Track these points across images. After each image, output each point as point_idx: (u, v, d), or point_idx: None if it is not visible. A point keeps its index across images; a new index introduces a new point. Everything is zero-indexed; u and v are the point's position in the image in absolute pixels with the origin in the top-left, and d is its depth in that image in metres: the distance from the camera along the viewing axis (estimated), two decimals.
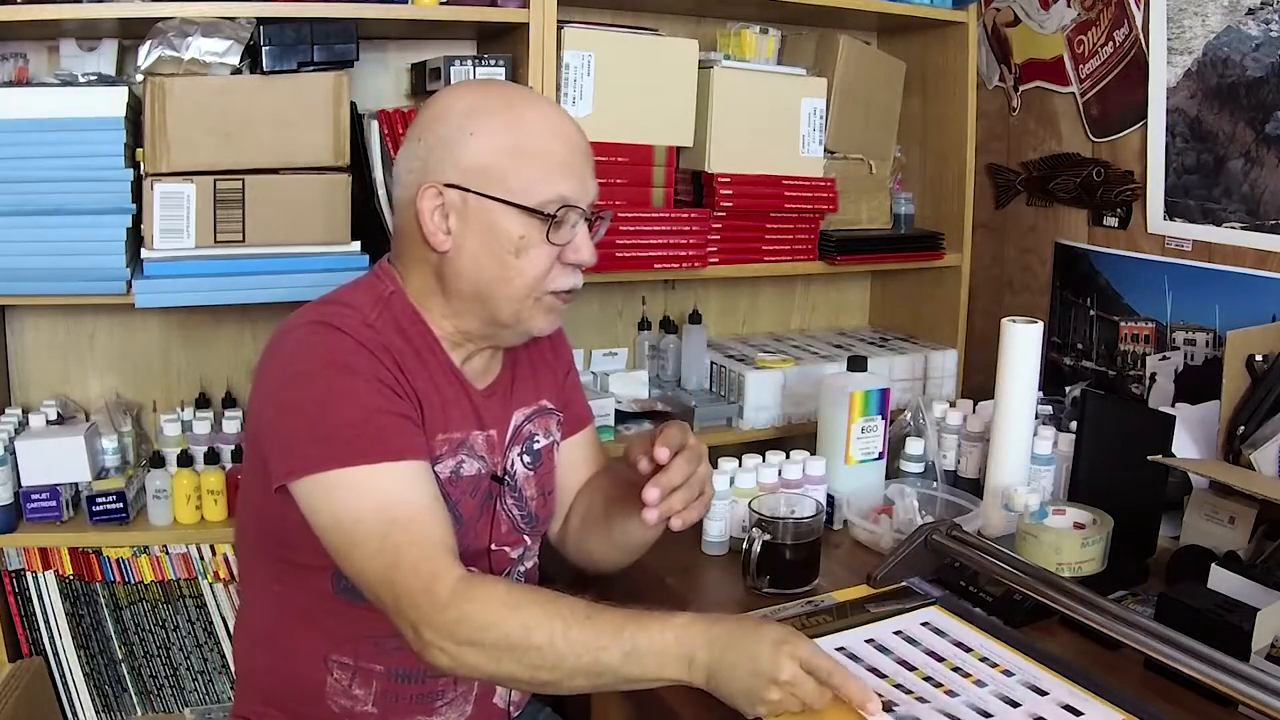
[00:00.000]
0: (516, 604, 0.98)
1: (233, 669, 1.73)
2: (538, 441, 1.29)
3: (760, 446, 1.67)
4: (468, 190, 1.11)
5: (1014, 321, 1.51)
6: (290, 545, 1.11)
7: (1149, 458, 1.40)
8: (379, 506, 1.01)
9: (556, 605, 0.99)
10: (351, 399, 1.04)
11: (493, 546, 1.24)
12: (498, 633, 0.97)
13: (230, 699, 1.74)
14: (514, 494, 1.26)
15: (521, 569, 1.30)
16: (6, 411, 1.71)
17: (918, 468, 1.68)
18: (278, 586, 1.17)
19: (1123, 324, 2.04)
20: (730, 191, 1.87)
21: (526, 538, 1.29)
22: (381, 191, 1.68)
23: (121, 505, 1.63)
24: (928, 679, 1.11)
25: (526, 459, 1.27)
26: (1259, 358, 1.51)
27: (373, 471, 1.02)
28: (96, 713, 1.71)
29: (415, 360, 1.14)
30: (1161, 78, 1.89)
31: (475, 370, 1.22)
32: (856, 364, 1.67)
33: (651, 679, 1.00)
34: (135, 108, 1.56)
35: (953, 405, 1.79)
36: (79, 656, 1.69)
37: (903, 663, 1.15)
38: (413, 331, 1.15)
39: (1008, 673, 1.13)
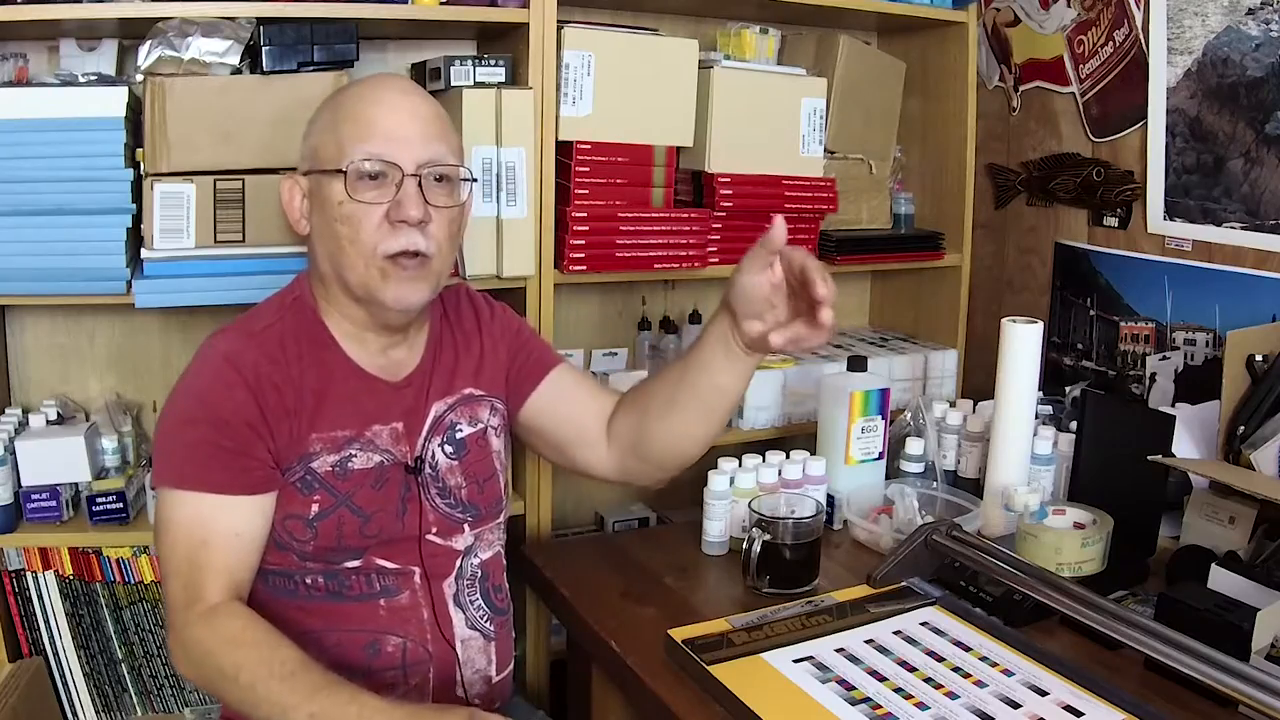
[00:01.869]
0: (239, 643, 1.06)
1: None
2: (460, 430, 1.30)
3: (760, 446, 1.67)
4: (306, 173, 1.21)
5: (1014, 321, 1.51)
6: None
7: (1149, 458, 1.40)
8: (180, 522, 1.12)
9: (273, 654, 1.05)
10: (192, 428, 1.14)
11: (426, 536, 1.26)
12: (213, 664, 1.06)
13: None
14: (436, 484, 1.27)
15: (475, 560, 1.31)
16: (6, 411, 1.71)
17: (918, 468, 1.68)
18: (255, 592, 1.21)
19: (1123, 324, 2.04)
20: (730, 191, 1.87)
21: (466, 527, 1.29)
22: None
23: (121, 505, 1.63)
24: (928, 680, 1.11)
25: (448, 449, 1.29)
26: (1259, 358, 1.52)
27: (186, 495, 1.12)
28: (96, 713, 1.71)
29: (310, 358, 1.20)
30: (1161, 78, 1.89)
31: (390, 363, 1.26)
32: (856, 364, 1.67)
33: None
34: (135, 108, 1.56)
35: (953, 405, 1.79)
36: (79, 656, 1.69)
37: (903, 664, 1.15)
38: (313, 332, 1.22)
39: (1008, 673, 1.13)
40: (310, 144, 1.22)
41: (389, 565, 1.22)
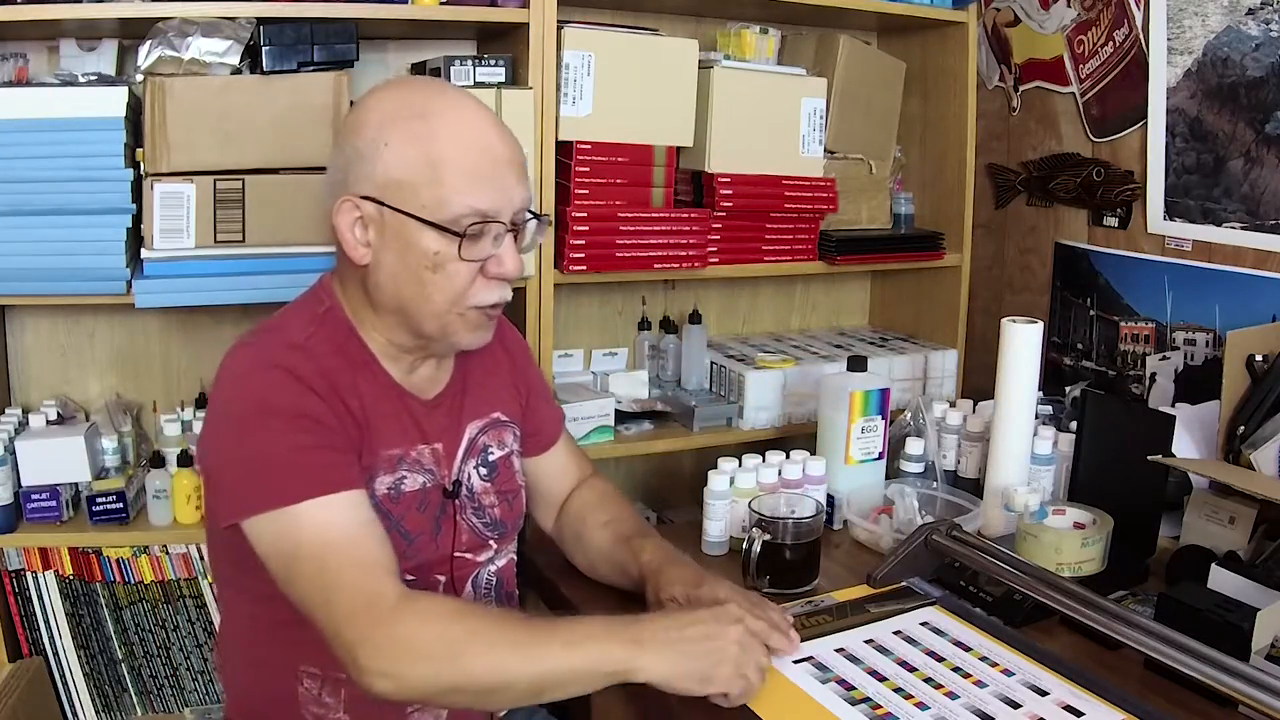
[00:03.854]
0: (458, 613, 1.01)
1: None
2: (493, 453, 1.29)
3: (760, 446, 1.67)
4: (383, 204, 1.09)
5: (1014, 321, 1.51)
6: (251, 571, 1.11)
7: (1149, 458, 1.40)
8: (314, 537, 1.01)
9: (497, 612, 1.04)
10: (275, 441, 1.04)
11: (456, 554, 1.24)
12: (439, 640, 0.97)
13: None
14: (472, 505, 1.25)
15: (492, 569, 1.30)
16: (6, 411, 1.71)
17: (918, 468, 1.68)
18: (248, 604, 1.17)
19: (1123, 324, 2.04)
20: (730, 191, 1.87)
21: (493, 542, 1.29)
22: None
23: (121, 505, 1.63)
24: (928, 680, 1.11)
25: (483, 471, 1.27)
26: (1259, 358, 1.52)
27: (303, 508, 1.02)
28: (96, 713, 1.71)
29: (351, 376, 1.13)
30: (1161, 78, 1.89)
31: (419, 381, 1.21)
32: (856, 364, 1.67)
33: (595, 669, 1.00)
34: (135, 108, 1.56)
35: (953, 405, 1.79)
36: (79, 656, 1.69)
37: (903, 664, 1.15)
38: (349, 347, 1.15)
39: (1008, 673, 1.13)
40: (385, 171, 1.08)
41: (412, 579, 1.17)
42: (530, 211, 1.16)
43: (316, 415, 1.06)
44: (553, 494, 1.41)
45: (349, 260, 1.13)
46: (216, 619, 1.74)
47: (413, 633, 0.97)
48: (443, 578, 1.23)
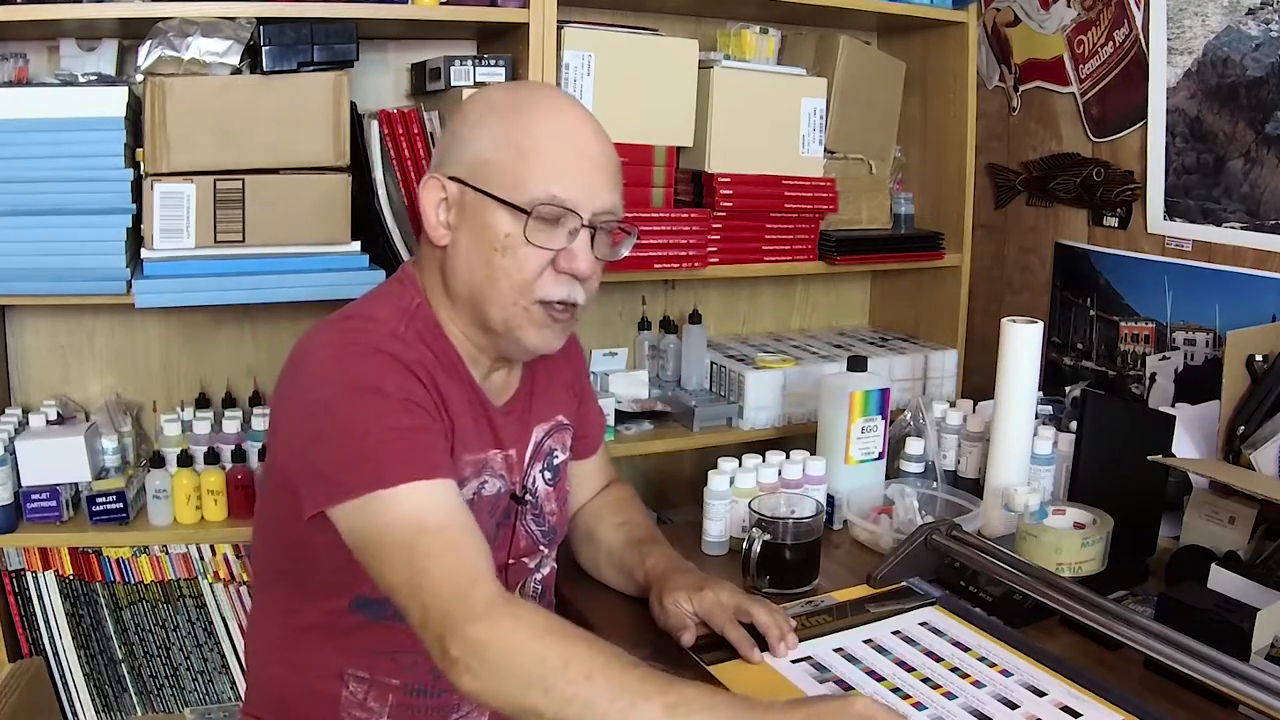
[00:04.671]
0: (560, 633, 0.92)
1: (233, 669, 1.74)
2: (557, 457, 1.29)
3: (760, 446, 1.67)
4: (465, 184, 1.10)
5: (1014, 321, 1.51)
6: (310, 569, 1.10)
7: (1149, 458, 1.40)
8: (409, 521, 0.97)
9: (601, 645, 0.91)
10: (378, 420, 1.00)
11: (510, 561, 1.23)
12: (533, 659, 0.89)
13: (230, 699, 1.74)
14: (534, 511, 1.25)
15: (539, 576, 1.29)
16: (6, 411, 1.71)
17: (918, 468, 1.68)
18: (294, 604, 1.16)
19: (1123, 324, 2.04)
20: (730, 191, 1.87)
21: (543, 548, 1.28)
22: (381, 191, 1.68)
23: (121, 505, 1.63)
24: (926, 680, 1.11)
25: (547, 475, 1.26)
26: (1259, 358, 1.51)
27: (404, 491, 0.98)
28: (96, 713, 1.71)
29: (443, 376, 1.11)
30: (1161, 78, 1.89)
31: (494, 387, 1.20)
32: (856, 364, 1.67)
33: None
34: (135, 108, 1.56)
35: (953, 405, 1.79)
36: (79, 656, 1.69)
37: (901, 664, 1.15)
38: (438, 347, 1.13)
39: (1006, 673, 1.13)
40: (475, 152, 1.10)
41: None
42: (620, 225, 1.15)
43: (420, 400, 1.04)
44: (579, 496, 1.41)
45: (430, 245, 1.13)
46: (217, 619, 1.74)
47: (508, 641, 0.90)
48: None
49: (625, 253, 1.19)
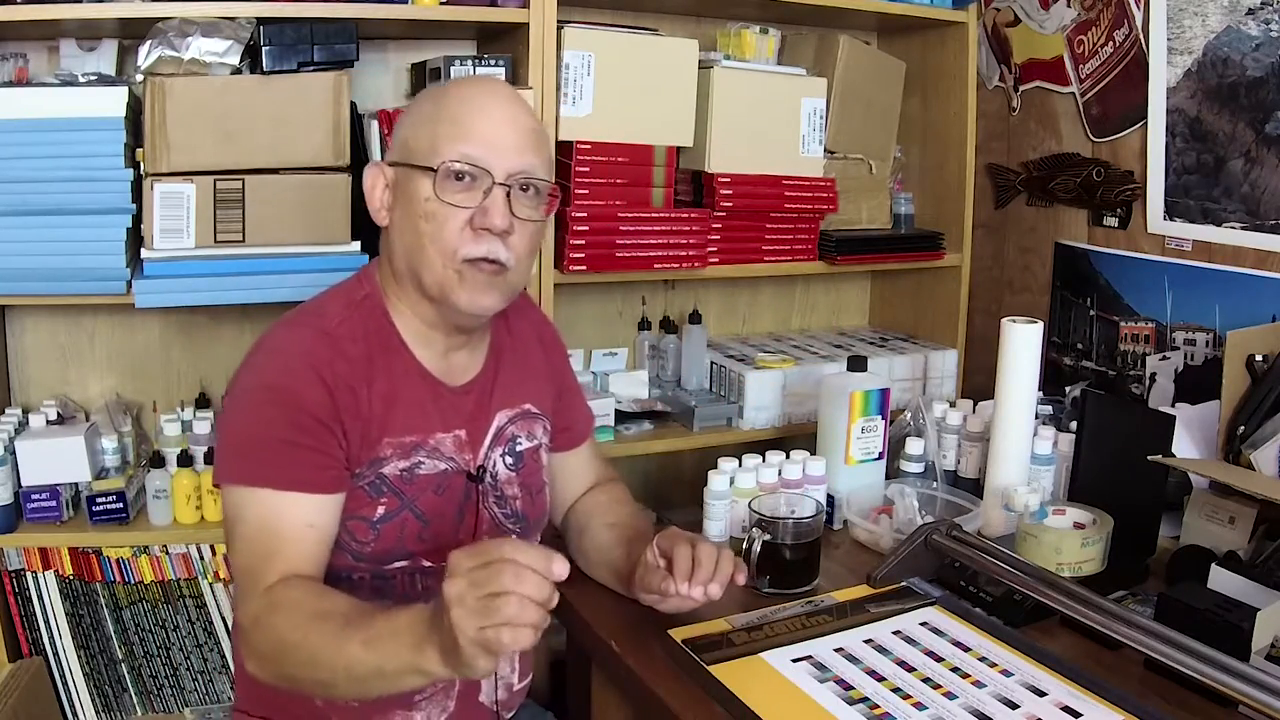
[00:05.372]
0: (294, 605, 1.02)
1: (233, 669, 1.74)
2: (520, 444, 1.30)
3: (760, 446, 1.67)
4: (396, 164, 1.18)
5: (1014, 321, 1.51)
6: None
7: (1149, 458, 1.40)
8: (258, 519, 1.09)
9: (325, 604, 1.02)
10: (269, 425, 1.11)
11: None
12: (274, 635, 1.01)
13: (230, 699, 1.74)
14: (495, 493, 1.27)
15: None
16: (6, 411, 1.71)
17: (918, 468, 1.68)
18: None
19: (1123, 324, 2.04)
20: (730, 191, 1.87)
21: (514, 536, 1.29)
22: None
23: (121, 505, 1.63)
24: (926, 680, 1.11)
25: (509, 460, 1.28)
26: (1259, 358, 1.51)
27: (264, 494, 1.09)
28: (96, 713, 1.71)
29: (380, 361, 1.18)
30: (1161, 78, 1.89)
31: (451, 367, 1.24)
32: (856, 364, 1.67)
33: (396, 667, 0.95)
34: (135, 108, 1.56)
35: (953, 405, 1.78)
36: (79, 656, 1.69)
37: (901, 663, 1.15)
38: (381, 333, 1.20)
39: (1006, 673, 1.13)
40: (402, 135, 1.19)
41: (432, 566, 1.21)
42: (537, 183, 1.17)
43: (318, 415, 1.12)
44: (569, 491, 1.44)
45: (378, 229, 1.22)
46: (216, 619, 1.74)
47: (261, 622, 1.03)
48: None
49: (546, 209, 1.21)
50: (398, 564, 1.20)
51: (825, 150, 1.98)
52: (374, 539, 1.17)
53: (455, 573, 0.88)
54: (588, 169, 1.76)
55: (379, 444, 1.16)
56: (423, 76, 1.79)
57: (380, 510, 1.17)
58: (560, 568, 0.88)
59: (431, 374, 1.22)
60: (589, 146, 1.75)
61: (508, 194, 1.14)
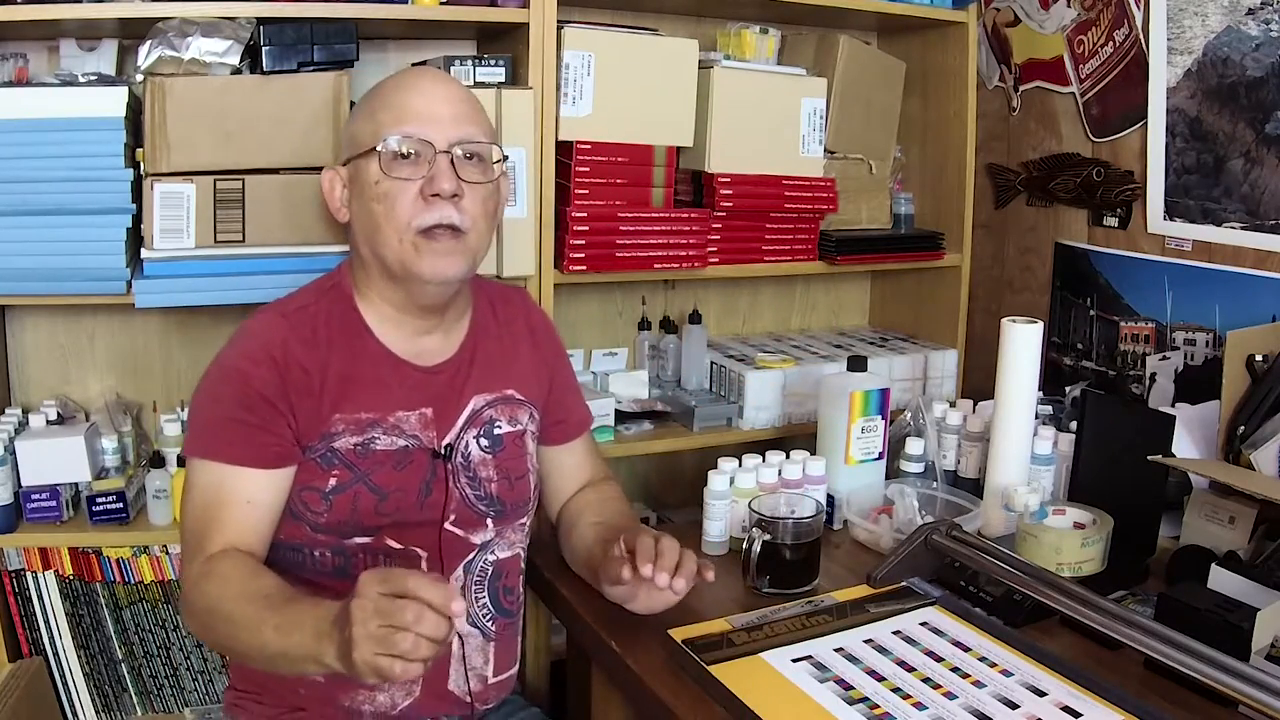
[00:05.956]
0: (226, 578, 1.10)
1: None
2: (499, 427, 1.32)
3: (760, 446, 1.67)
4: (348, 160, 1.24)
5: (1014, 321, 1.51)
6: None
7: (1149, 458, 1.40)
8: (205, 489, 1.17)
9: (253, 584, 1.08)
10: (219, 403, 1.20)
11: (445, 524, 1.26)
12: (205, 602, 1.09)
13: None
14: (467, 473, 1.28)
15: (491, 557, 1.32)
16: (6, 411, 1.71)
17: (918, 468, 1.68)
18: None
19: (1123, 324, 2.04)
20: (730, 191, 1.87)
21: (489, 521, 1.30)
22: None
23: (121, 505, 1.63)
24: (926, 680, 1.11)
25: (484, 442, 1.30)
26: (1259, 358, 1.52)
27: (211, 466, 1.17)
28: (96, 713, 1.71)
29: (340, 342, 1.24)
30: (1161, 78, 1.89)
31: (421, 349, 1.28)
32: (856, 364, 1.67)
33: (299, 654, 1.00)
34: (135, 108, 1.56)
35: (953, 405, 1.79)
36: (79, 656, 1.69)
37: (901, 663, 1.15)
38: (345, 319, 1.26)
39: (1006, 673, 1.13)
40: (349, 133, 1.27)
41: (397, 546, 1.23)
42: (481, 148, 1.22)
43: (265, 394, 1.19)
44: (562, 487, 1.46)
45: (347, 229, 1.28)
46: None
47: (196, 588, 1.11)
48: (425, 553, 1.25)
49: (496, 174, 1.25)
50: (359, 539, 1.22)
51: (825, 150, 1.98)
52: (327, 509, 1.21)
53: (363, 594, 0.92)
54: (588, 169, 1.76)
55: (329, 419, 1.21)
56: None
57: (332, 482, 1.21)
58: (459, 607, 0.92)
59: (397, 355, 1.26)
60: (589, 146, 1.75)
61: (452, 161, 1.19)
